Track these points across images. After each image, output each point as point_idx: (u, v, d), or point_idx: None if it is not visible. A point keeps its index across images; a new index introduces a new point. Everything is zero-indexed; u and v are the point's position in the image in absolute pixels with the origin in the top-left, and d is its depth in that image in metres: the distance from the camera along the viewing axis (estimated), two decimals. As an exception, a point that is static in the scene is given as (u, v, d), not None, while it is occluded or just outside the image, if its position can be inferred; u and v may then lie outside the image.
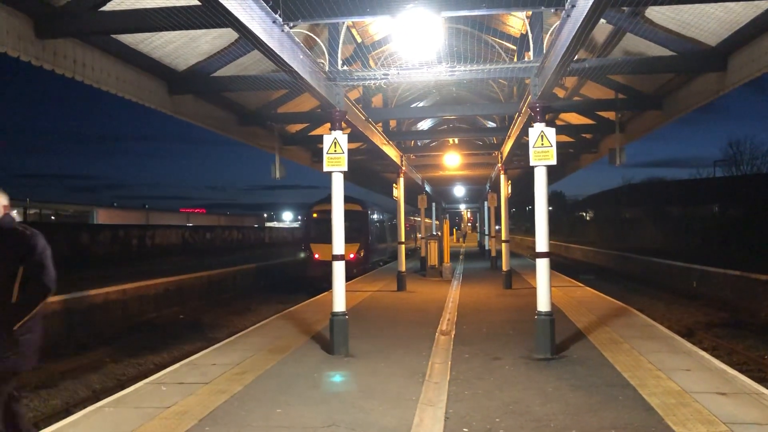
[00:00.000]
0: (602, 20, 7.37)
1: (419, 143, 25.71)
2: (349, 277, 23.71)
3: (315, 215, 26.42)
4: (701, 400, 6.42)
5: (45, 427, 6.55)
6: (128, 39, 10.03)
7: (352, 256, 25.75)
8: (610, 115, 16.89)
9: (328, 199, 29.68)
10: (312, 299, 16.52)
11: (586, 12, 5.95)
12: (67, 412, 9.25)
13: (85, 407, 7.46)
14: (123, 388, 8.99)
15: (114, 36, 9.70)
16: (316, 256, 25.21)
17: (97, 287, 17.64)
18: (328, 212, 20.58)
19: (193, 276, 23.33)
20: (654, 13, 9.93)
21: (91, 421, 6.26)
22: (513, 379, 7.62)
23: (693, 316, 17.45)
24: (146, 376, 8.93)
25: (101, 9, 8.47)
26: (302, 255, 26.12)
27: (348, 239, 25.00)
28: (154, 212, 66.87)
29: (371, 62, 13.69)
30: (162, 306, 20.36)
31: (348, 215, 27.80)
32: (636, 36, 10.75)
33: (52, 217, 57.77)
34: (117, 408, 6.67)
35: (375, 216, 30.38)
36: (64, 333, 15.36)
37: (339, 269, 9.34)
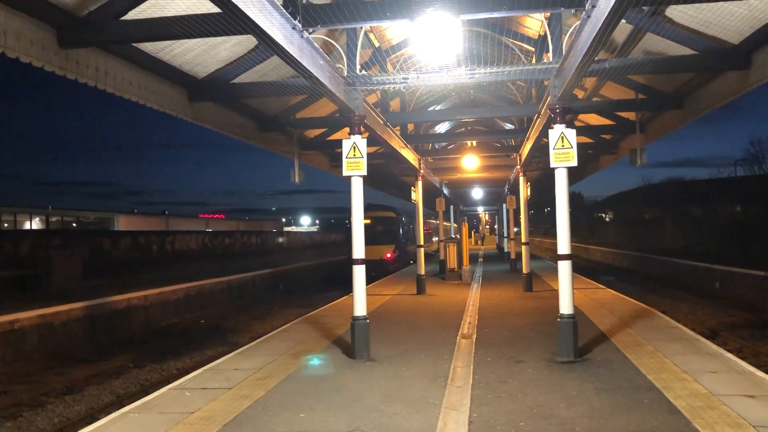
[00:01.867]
0: (622, 20, 7.31)
1: (437, 146, 25.67)
2: (386, 272, 27.48)
3: None
4: (729, 402, 6.33)
5: (72, 432, 6.65)
6: (149, 47, 10.14)
7: (388, 255, 30.15)
8: (630, 115, 16.77)
9: (366, 208, 32.35)
10: (332, 303, 16.55)
11: (607, 12, 5.91)
12: (92, 418, 9.36)
13: (109, 413, 7.54)
14: (147, 393, 9.05)
15: (135, 44, 9.82)
16: None
17: (119, 293, 17.81)
18: (369, 219, 25.48)
19: (214, 281, 23.48)
20: (675, 12, 9.84)
21: (117, 426, 6.31)
22: (536, 382, 7.57)
23: (717, 317, 17.24)
24: (169, 382, 9.01)
25: (123, 18, 8.57)
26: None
27: (384, 241, 29.65)
28: (173, 218, 67.36)
29: (389, 66, 13.70)
30: (183, 311, 20.51)
31: (384, 221, 30.78)
32: (656, 35, 10.66)
33: (74, 224, 58.43)
34: (141, 413, 6.73)
35: (405, 221, 33.81)
36: (88, 339, 15.53)
37: (359, 274, 9.33)
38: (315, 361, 9.17)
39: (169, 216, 69.03)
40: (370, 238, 30.50)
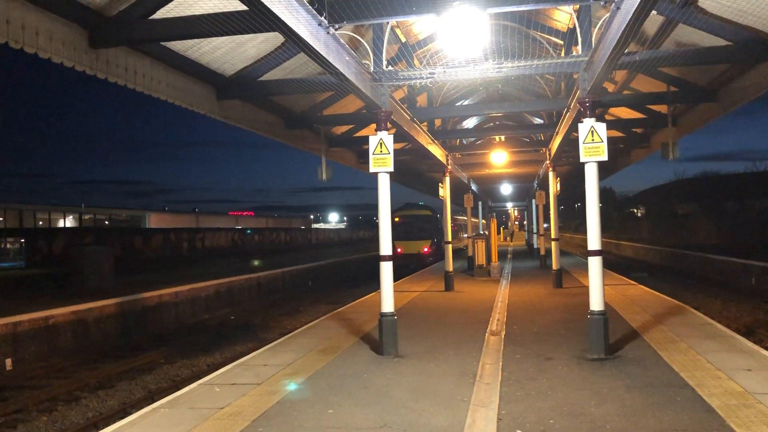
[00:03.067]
0: (653, 11, 7.16)
1: (465, 141, 25.53)
2: (424, 264, 30.86)
3: (396, 219, 33.30)
4: (765, 401, 6.18)
5: (104, 426, 6.74)
6: (177, 46, 10.22)
7: (426, 249, 33.97)
8: (661, 108, 16.48)
9: (405, 207, 36.91)
10: (360, 300, 16.58)
11: (636, 4, 5.80)
12: (124, 413, 9.50)
13: (141, 408, 7.63)
14: (177, 388, 9.16)
15: (164, 43, 9.91)
16: (399, 250, 32.58)
17: (150, 290, 18.06)
18: (408, 217, 33.16)
19: (243, 278, 23.68)
20: (708, 2, 9.62)
21: (148, 421, 6.39)
22: (566, 379, 7.48)
23: (753, 313, 16.88)
24: (199, 377, 9.10)
25: (151, 17, 8.65)
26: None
27: (422, 237, 34.75)
28: (203, 216, 68.23)
29: (416, 61, 13.63)
30: (213, 307, 20.72)
31: (421, 218, 36.55)
32: (689, 26, 10.43)
33: (106, 222, 59.43)
34: (172, 409, 6.80)
35: (440, 218, 36.85)
36: (120, 335, 15.78)
37: (387, 270, 9.29)
38: (343, 357, 9.18)
39: (200, 213, 69.93)
40: (410, 234, 34.29)
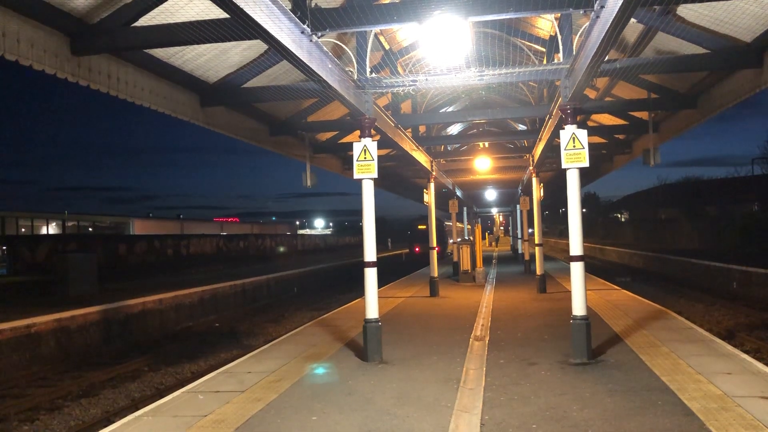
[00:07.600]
0: (633, 20, 7.28)
1: (449, 148, 25.63)
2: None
3: (416, 227, 49.99)
4: (744, 404, 6.27)
5: (86, 436, 6.70)
6: (160, 53, 10.21)
7: (437, 248, 38.27)
8: (643, 115, 16.66)
9: (419, 219, 47.07)
10: (345, 306, 16.58)
11: (615, 12, 5.89)
12: (107, 421, 9.42)
13: (124, 416, 7.58)
14: (161, 396, 9.11)
15: (146, 51, 9.88)
16: (417, 249, 47.33)
17: (134, 297, 17.94)
18: (424, 225, 34.30)
19: (228, 284, 23.56)
20: (686, 11, 9.77)
21: (131, 429, 6.36)
22: (549, 384, 7.54)
23: (734, 317, 17.06)
24: (183, 385, 9.05)
25: (134, 25, 8.63)
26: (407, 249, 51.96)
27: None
28: (188, 222, 67.77)
29: (399, 68, 13.70)
30: (198, 315, 20.60)
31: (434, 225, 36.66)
32: (668, 35, 10.58)
33: (90, 229, 58.90)
34: (155, 417, 6.77)
35: (444, 224, 49.81)
36: (104, 343, 15.66)
37: (371, 276, 9.31)
38: (327, 363, 9.19)
39: (184, 220, 69.51)
40: (424, 238, 46.38)
